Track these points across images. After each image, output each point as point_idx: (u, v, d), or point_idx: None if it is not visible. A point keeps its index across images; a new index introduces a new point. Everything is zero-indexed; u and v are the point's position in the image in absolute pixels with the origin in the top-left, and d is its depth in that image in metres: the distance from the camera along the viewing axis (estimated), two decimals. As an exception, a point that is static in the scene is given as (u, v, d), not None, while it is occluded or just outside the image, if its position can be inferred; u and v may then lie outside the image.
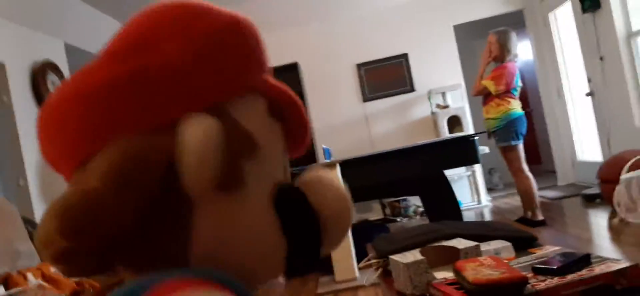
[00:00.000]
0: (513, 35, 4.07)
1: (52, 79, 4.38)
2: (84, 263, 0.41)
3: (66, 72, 4.68)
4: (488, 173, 6.87)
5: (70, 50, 4.87)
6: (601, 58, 4.69)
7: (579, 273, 0.97)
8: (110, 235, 0.39)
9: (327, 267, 3.43)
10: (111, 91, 0.42)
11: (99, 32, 5.36)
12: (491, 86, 3.97)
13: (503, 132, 3.95)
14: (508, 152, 3.97)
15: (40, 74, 4.23)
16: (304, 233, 0.46)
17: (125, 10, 5.20)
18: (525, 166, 3.97)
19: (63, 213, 0.39)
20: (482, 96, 4.13)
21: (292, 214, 0.45)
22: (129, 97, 0.41)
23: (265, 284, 0.47)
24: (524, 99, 7.33)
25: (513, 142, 3.93)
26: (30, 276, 2.40)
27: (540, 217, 3.98)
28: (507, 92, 3.97)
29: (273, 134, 0.47)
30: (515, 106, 3.99)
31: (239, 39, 0.46)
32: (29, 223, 2.92)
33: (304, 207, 0.46)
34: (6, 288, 2.20)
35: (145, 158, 0.39)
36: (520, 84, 4.07)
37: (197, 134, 0.39)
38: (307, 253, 0.47)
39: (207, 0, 0.47)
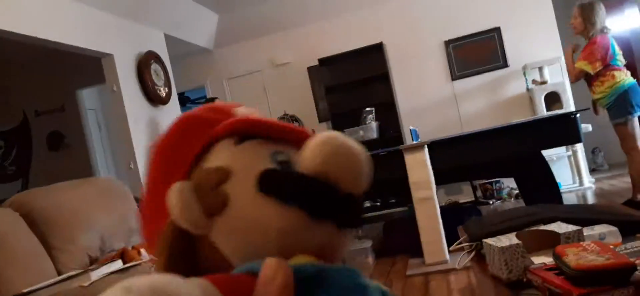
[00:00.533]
0: (599, 8, 3.73)
1: (154, 68, 4.72)
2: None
3: (167, 62, 5.01)
4: (591, 153, 6.39)
5: (170, 40, 5.21)
6: None
7: (698, 262, 0.89)
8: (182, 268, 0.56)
9: (416, 249, 3.41)
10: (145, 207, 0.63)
11: (195, 23, 5.68)
12: (586, 67, 3.68)
13: (616, 107, 3.66)
14: (622, 128, 3.67)
15: (144, 64, 4.58)
16: (297, 192, 0.54)
17: (220, 1, 5.45)
18: (638, 142, 3.65)
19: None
20: (584, 79, 3.85)
21: (278, 186, 0.55)
22: (150, 207, 0.62)
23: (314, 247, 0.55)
24: (631, 69, 6.70)
25: (629, 117, 3.62)
26: (143, 251, 2.64)
27: None
28: (607, 66, 3.66)
29: (244, 153, 0.58)
30: (622, 77, 3.66)
31: (185, 125, 0.63)
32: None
33: (283, 175, 0.56)
34: (123, 262, 2.44)
35: (167, 232, 0.57)
36: (620, 56, 3.72)
37: (170, 194, 0.56)
38: (323, 205, 0.55)
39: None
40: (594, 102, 3.91)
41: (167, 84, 4.90)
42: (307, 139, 0.60)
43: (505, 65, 5.64)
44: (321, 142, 0.57)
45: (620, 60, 3.72)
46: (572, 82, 4.03)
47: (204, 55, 6.36)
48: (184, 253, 0.57)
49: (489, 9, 5.62)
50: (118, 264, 2.38)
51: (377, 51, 5.71)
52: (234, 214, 0.55)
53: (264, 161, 0.57)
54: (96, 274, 2.23)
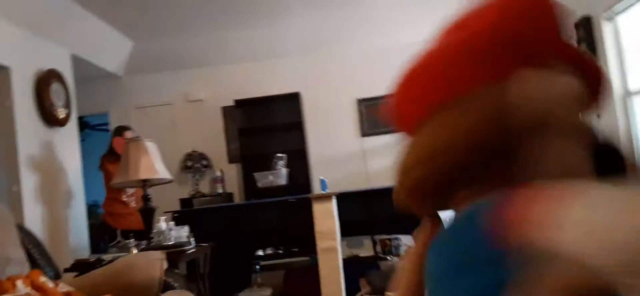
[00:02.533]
0: None
1: (55, 87, 4.41)
2: (431, 189, 0.54)
3: (70, 83, 4.71)
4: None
5: (76, 60, 4.91)
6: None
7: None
8: (461, 165, 0.51)
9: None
10: (463, 51, 0.55)
11: (106, 47, 5.43)
12: None
13: None
14: None
15: (43, 82, 4.26)
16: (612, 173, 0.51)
17: (135, 28, 5.28)
18: None
19: (419, 151, 0.53)
20: None
21: (604, 164, 0.50)
22: (483, 55, 0.53)
23: None
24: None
25: None
26: (19, 283, 2.37)
27: None
28: None
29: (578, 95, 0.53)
30: None
31: (543, 12, 0.54)
32: (21, 230, 2.90)
33: (617, 161, 0.53)
34: (-5, 294, 2.17)
35: (480, 109, 0.49)
36: None
37: (528, 81, 0.48)
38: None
39: None
40: None
41: (67, 105, 4.58)
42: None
43: (410, 128, 5.99)
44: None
45: None
46: None
47: (111, 80, 6.06)
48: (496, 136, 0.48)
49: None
50: (-12, 297, 2.11)
51: (293, 99, 5.81)
52: (555, 146, 0.48)
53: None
54: (-40, 307, 1.96)
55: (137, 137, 4.30)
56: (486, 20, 0.55)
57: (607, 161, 0.51)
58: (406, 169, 0.54)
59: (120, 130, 4.61)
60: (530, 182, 0.46)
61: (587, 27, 4.72)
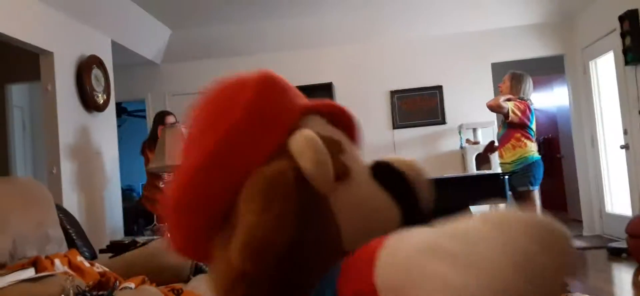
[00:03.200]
0: (527, 80, 4.03)
1: (96, 73, 4.54)
2: (265, 288, 0.49)
3: (110, 69, 4.83)
4: (513, 215, 6.75)
5: (116, 47, 5.04)
6: (639, 112, 4.61)
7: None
8: (281, 250, 0.47)
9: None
10: (211, 159, 0.54)
11: (146, 34, 5.54)
12: (510, 107, 3.89)
13: (519, 176, 3.89)
14: (522, 197, 3.89)
15: (85, 68, 4.38)
16: (407, 195, 0.59)
17: (173, 16, 5.37)
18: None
19: (244, 251, 0.47)
20: (499, 137, 4.09)
21: (391, 182, 0.59)
22: (240, 146, 0.54)
23: None
24: (555, 144, 7.24)
25: (529, 188, 3.85)
26: (57, 262, 2.46)
27: None
28: (524, 129, 3.90)
29: (341, 135, 0.60)
30: (533, 149, 3.91)
31: (269, 87, 0.63)
32: (60, 210, 3.01)
33: (398, 175, 0.61)
34: (36, 272, 2.26)
35: (276, 176, 0.49)
36: (534, 128, 3.99)
37: (302, 142, 0.51)
38: (414, 210, 0.59)
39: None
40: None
41: (107, 91, 4.71)
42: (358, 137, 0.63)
43: (443, 121, 5.91)
44: (409, 160, 0.65)
45: (534, 130, 3.99)
46: (487, 105, 4.15)
47: (149, 67, 6.19)
48: (295, 214, 0.48)
49: (434, 67, 5.91)
50: (30, 272, 2.20)
51: (326, 90, 5.81)
52: (354, 189, 0.54)
53: (358, 151, 0.59)
54: (3, 281, 2.05)
55: (174, 123, 4.42)
56: (234, 117, 0.56)
57: (395, 183, 0.57)
58: (230, 274, 0.49)
59: (162, 116, 4.65)
60: (356, 241, 0.49)
61: (633, 21, 4.54)
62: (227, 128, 0.55)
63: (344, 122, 0.64)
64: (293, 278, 0.50)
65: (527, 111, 3.90)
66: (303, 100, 0.63)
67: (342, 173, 0.53)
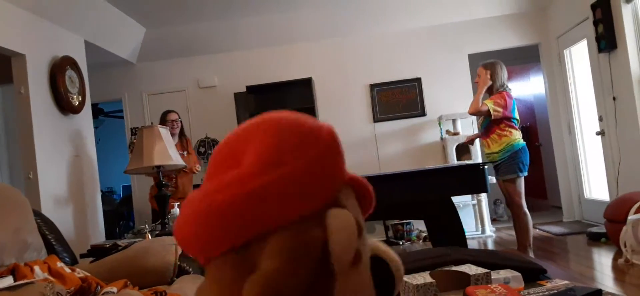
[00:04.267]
0: (500, 66, 4.05)
1: (70, 74, 4.44)
2: None
3: (84, 70, 4.74)
4: (493, 204, 6.85)
5: (90, 47, 4.94)
6: (614, 98, 4.70)
7: (590, 308, 0.98)
8: None
9: None
10: (263, 193, 0.54)
11: (120, 33, 5.45)
12: (491, 107, 3.91)
13: (507, 164, 3.92)
14: (510, 185, 3.93)
15: (59, 69, 4.29)
16: (387, 287, 0.62)
17: (147, 14, 5.29)
18: (524, 202, 3.94)
19: (257, 292, 0.49)
20: (482, 129, 4.11)
21: (381, 279, 0.60)
22: (278, 198, 0.53)
23: None
24: (533, 133, 7.35)
25: (518, 175, 3.90)
26: (37, 268, 2.41)
27: (532, 256, 3.94)
28: (508, 120, 3.93)
29: (359, 212, 0.59)
30: (517, 137, 3.94)
31: (336, 147, 0.59)
32: (38, 216, 2.95)
33: (387, 270, 0.62)
34: (14, 280, 2.21)
35: (309, 242, 0.51)
36: (517, 115, 4.02)
37: (342, 224, 0.52)
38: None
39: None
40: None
41: (82, 93, 4.62)
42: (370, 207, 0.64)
43: (423, 113, 5.95)
44: (397, 260, 0.65)
45: (517, 119, 4.03)
46: (469, 112, 4.13)
47: (125, 67, 6.10)
48: (310, 277, 0.50)
49: (413, 60, 5.95)
50: (8, 280, 2.15)
51: (305, 85, 5.80)
52: (356, 276, 0.53)
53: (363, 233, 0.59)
54: (-21, 291, 2.00)
55: (176, 119, 4.55)
56: (302, 159, 0.55)
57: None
58: None
59: (164, 115, 4.62)
60: None
61: (605, 9, 4.63)
62: (286, 171, 0.54)
63: (364, 195, 0.61)
64: None
65: (508, 102, 3.93)
66: (345, 168, 0.60)
67: (356, 259, 0.53)
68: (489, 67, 4.04)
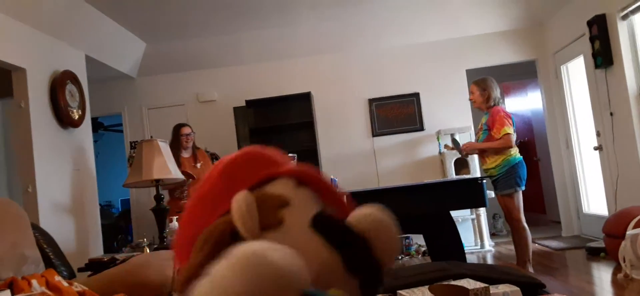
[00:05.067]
0: (491, 81, 4.05)
1: (70, 89, 4.46)
2: None
3: (85, 84, 4.76)
4: (492, 218, 6.84)
5: (91, 62, 4.97)
6: (611, 114, 4.73)
7: (588, 322, 0.98)
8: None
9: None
10: (191, 213, 0.77)
11: (120, 48, 5.48)
12: (509, 129, 3.88)
13: (504, 179, 3.91)
14: (508, 199, 3.92)
15: (59, 83, 4.31)
16: (344, 240, 0.65)
17: (148, 29, 5.33)
18: (523, 216, 3.93)
19: (180, 280, 0.66)
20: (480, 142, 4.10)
21: (329, 229, 0.65)
22: (200, 211, 0.75)
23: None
24: (531, 148, 7.37)
25: (516, 189, 3.89)
26: (34, 282, 2.40)
27: (531, 271, 3.93)
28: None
29: (302, 193, 0.71)
30: (514, 152, 3.94)
31: (246, 158, 0.78)
32: (36, 229, 2.94)
33: (336, 222, 0.68)
34: (12, 293, 2.21)
35: (214, 227, 0.66)
36: (515, 132, 4.01)
37: (235, 201, 0.65)
38: (357, 257, 0.65)
39: None
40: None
41: (82, 107, 4.64)
42: (342, 203, 0.75)
43: (421, 128, 5.98)
44: (369, 212, 0.70)
45: (515, 134, 4.02)
46: (509, 147, 3.90)
47: (125, 81, 6.12)
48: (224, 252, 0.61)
49: (411, 75, 5.99)
50: (6, 294, 2.15)
51: (304, 99, 5.82)
52: (284, 235, 0.64)
53: (315, 207, 0.69)
54: (-23, 305, 1.99)
55: (189, 133, 4.58)
56: (214, 172, 0.77)
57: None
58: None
59: (178, 129, 4.61)
60: None
61: (601, 25, 4.68)
62: (206, 188, 0.75)
63: (311, 180, 0.75)
64: None
65: (509, 117, 3.94)
66: (278, 167, 0.76)
67: (274, 222, 0.66)
68: (481, 84, 4.05)
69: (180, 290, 0.61)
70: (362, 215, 0.70)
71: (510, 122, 3.92)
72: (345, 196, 0.78)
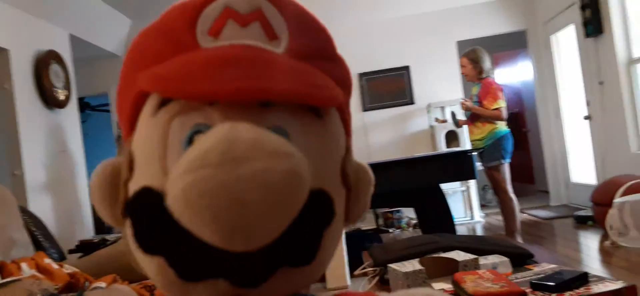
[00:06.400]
0: (482, 53, 4.04)
1: (55, 68, 4.38)
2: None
3: (69, 64, 4.68)
4: (482, 190, 6.90)
5: (75, 41, 4.87)
6: (601, 83, 4.74)
7: (577, 290, 0.99)
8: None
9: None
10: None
11: (105, 26, 5.38)
12: (503, 103, 3.91)
13: (490, 151, 3.95)
14: (495, 171, 3.96)
15: (43, 64, 4.23)
16: (161, 239, 0.43)
17: (133, 6, 5.22)
18: (510, 187, 3.97)
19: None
20: (468, 114, 4.11)
21: (137, 226, 0.46)
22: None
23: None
24: (521, 119, 7.40)
25: (501, 162, 3.93)
26: (24, 266, 2.39)
27: (519, 240, 3.98)
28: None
29: (151, 132, 0.45)
30: (501, 124, 3.97)
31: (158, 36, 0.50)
32: (25, 212, 2.92)
33: (146, 210, 0.44)
34: (1, 277, 2.19)
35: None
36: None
37: (92, 183, 0.46)
38: (198, 260, 0.41)
39: None
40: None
41: (67, 87, 4.56)
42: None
43: (411, 102, 5.96)
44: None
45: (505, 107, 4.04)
46: (503, 119, 3.92)
47: (111, 60, 6.02)
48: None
49: (401, 48, 5.94)
50: (-6, 279, 2.13)
51: (292, 75, 5.77)
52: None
53: (172, 149, 0.40)
54: (-34, 289, 1.97)
55: None
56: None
57: None
58: None
59: None
60: None
61: (591, -6, 4.65)
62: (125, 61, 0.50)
63: None
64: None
65: (500, 89, 3.95)
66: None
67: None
68: (471, 55, 4.04)
69: None
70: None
71: (502, 95, 3.93)
72: None
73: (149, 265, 0.42)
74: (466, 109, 4.17)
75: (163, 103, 0.41)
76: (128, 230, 0.43)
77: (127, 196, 0.43)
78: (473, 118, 4.05)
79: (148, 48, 0.46)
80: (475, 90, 4.07)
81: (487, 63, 4.00)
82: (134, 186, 0.42)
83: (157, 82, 0.40)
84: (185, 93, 0.39)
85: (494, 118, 3.92)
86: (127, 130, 0.45)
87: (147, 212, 0.41)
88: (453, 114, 4.49)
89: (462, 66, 4.12)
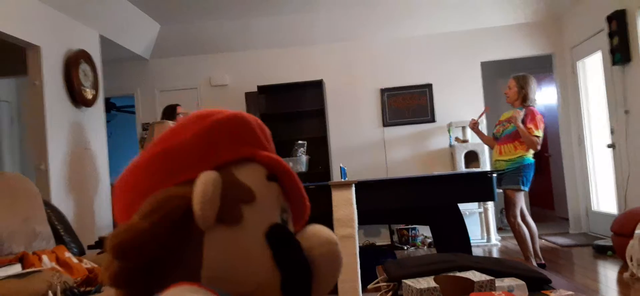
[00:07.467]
0: (532, 80, 4.04)
1: (84, 68, 4.49)
2: (130, 281, 0.57)
3: (98, 63, 4.79)
4: (500, 213, 6.81)
5: (105, 42, 4.99)
6: (626, 111, 4.67)
7: (592, 319, 0.98)
8: (147, 255, 0.56)
9: (332, 288, 3.42)
10: (149, 163, 0.64)
11: (134, 29, 5.50)
12: (540, 133, 3.91)
13: (511, 175, 3.94)
14: (510, 195, 3.95)
15: (73, 62, 4.34)
16: (292, 263, 0.60)
17: (162, 10, 5.33)
18: (518, 213, 3.94)
19: (113, 240, 0.56)
20: (502, 135, 4.10)
21: (281, 246, 0.60)
22: (161, 166, 0.63)
23: None
24: (543, 143, 7.27)
25: (521, 188, 3.92)
26: (45, 258, 2.44)
27: (535, 265, 3.93)
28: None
29: (269, 191, 0.63)
30: (530, 153, 3.98)
31: (236, 126, 0.65)
32: (48, 206, 2.99)
33: (290, 240, 0.62)
34: (23, 268, 2.25)
35: (169, 198, 0.57)
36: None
37: (200, 180, 0.57)
38: (297, 282, 0.60)
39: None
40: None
41: (95, 86, 4.67)
42: (305, 207, 0.69)
43: (432, 120, 5.94)
44: (329, 240, 0.64)
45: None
46: (537, 149, 3.95)
47: (138, 62, 6.15)
48: (168, 233, 0.55)
49: (424, 66, 5.94)
50: (16, 268, 2.19)
51: (316, 87, 5.81)
52: (237, 236, 0.58)
53: (277, 210, 0.63)
54: (-11, 277, 2.03)
55: (186, 113, 4.49)
56: (189, 131, 0.64)
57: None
58: (106, 261, 0.59)
59: (172, 109, 4.62)
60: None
61: (621, 21, 4.60)
62: (175, 142, 0.63)
63: (283, 176, 0.67)
64: (146, 286, 0.58)
65: (542, 121, 3.96)
66: (257, 149, 0.66)
67: (232, 219, 0.59)
68: (521, 81, 4.03)
69: (111, 247, 0.55)
70: (323, 238, 0.65)
71: (543, 127, 3.95)
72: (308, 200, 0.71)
73: (270, 270, 0.60)
74: (472, 127, 4.20)
75: None
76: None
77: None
78: (507, 139, 4.04)
79: None
80: (505, 115, 4.09)
81: (533, 92, 4.02)
82: (267, 214, 0.65)
83: None
84: None
85: (530, 144, 3.92)
86: None
87: (289, 245, 0.64)
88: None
89: (508, 87, 4.12)
